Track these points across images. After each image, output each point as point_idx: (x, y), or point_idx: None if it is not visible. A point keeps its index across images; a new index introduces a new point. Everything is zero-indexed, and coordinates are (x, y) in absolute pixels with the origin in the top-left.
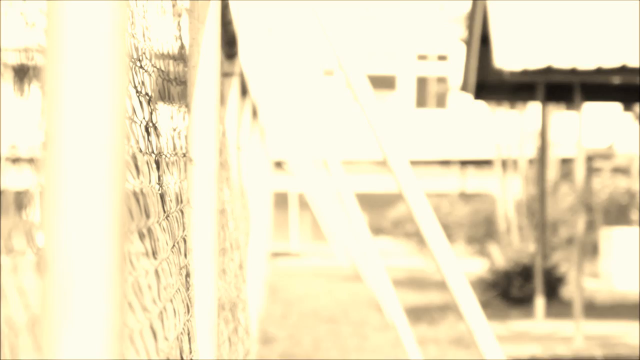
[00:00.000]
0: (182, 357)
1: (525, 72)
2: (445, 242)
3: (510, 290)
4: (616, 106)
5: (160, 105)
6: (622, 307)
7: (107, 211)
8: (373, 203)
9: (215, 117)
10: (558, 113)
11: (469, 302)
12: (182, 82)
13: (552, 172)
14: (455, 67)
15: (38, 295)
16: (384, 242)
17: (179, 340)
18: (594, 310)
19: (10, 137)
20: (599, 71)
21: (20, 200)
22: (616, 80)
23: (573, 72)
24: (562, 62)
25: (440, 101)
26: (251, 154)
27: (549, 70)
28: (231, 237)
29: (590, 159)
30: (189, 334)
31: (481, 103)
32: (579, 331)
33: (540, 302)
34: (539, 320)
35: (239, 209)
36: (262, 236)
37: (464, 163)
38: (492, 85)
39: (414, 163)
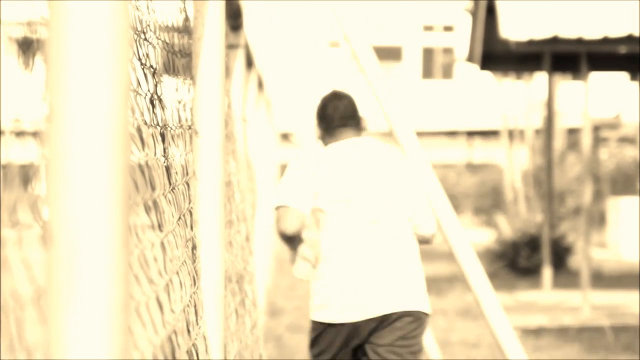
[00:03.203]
0: (188, 329)
1: (531, 42)
2: (452, 212)
3: (517, 261)
4: (623, 76)
5: (165, 78)
6: (630, 277)
7: (112, 183)
8: None
9: (221, 89)
10: (564, 83)
11: (476, 273)
12: (187, 54)
13: (559, 142)
14: (461, 38)
15: (44, 268)
16: None
17: (185, 312)
18: (602, 280)
19: (15, 110)
20: (605, 41)
21: (25, 174)
22: (622, 49)
23: (579, 41)
24: (568, 31)
25: (447, 72)
26: (257, 126)
27: (555, 40)
28: (237, 209)
29: (596, 128)
30: (195, 307)
31: (487, 74)
32: (586, 301)
33: (547, 272)
34: (546, 291)
35: (245, 181)
36: (269, 208)
37: (471, 134)
38: (498, 56)
39: (420, 134)
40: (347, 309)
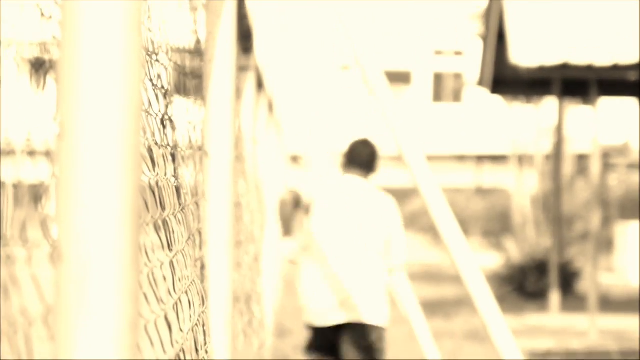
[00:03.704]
0: (196, 348)
1: (541, 68)
2: (460, 236)
3: (525, 285)
4: (632, 102)
5: (176, 99)
6: (637, 302)
7: (122, 203)
8: None
9: (231, 110)
10: (574, 108)
11: (484, 296)
12: (198, 75)
13: (568, 167)
14: (471, 62)
15: (53, 286)
16: None
17: (193, 331)
18: (609, 304)
19: (26, 130)
20: (615, 67)
21: (36, 193)
22: (632, 76)
23: (589, 68)
24: (578, 58)
25: (457, 96)
26: (267, 148)
27: (565, 66)
28: (246, 230)
29: (605, 154)
30: (203, 326)
31: (497, 98)
32: (594, 326)
33: (555, 296)
34: (554, 315)
35: (254, 202)
36: (278, 229)
37: (480, 158)
38: (508, 80)
39: (430, 158)
40: (319, 314)
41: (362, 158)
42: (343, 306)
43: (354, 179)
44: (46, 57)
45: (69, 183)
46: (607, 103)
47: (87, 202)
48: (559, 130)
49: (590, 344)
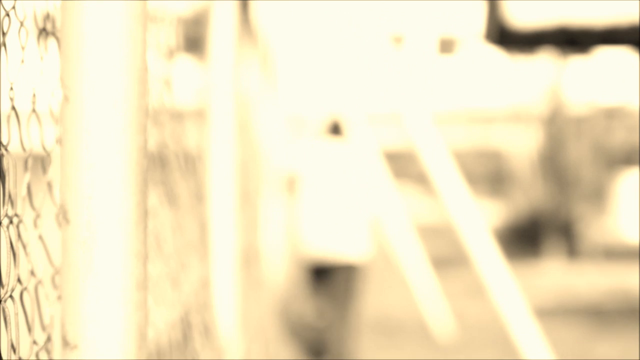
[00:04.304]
0: (200, 307)
1: (539, 24)
2: (464, 191)
3: (526, 238)
4: (631, 55)
5: (179, 60)
6: (636, 255)
7: (127, 162)
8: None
9: (233, 70)
10: (573, 63)
11: (488, 251)
12: (199, 37)
13: (566, 124)
14: (473, 17)
15: (60, 246)
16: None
17: (197, 291)
18: (611, 259)
19: (32, 92)
20: (614, 26)
21: (41, 157)
22: (634, 35)
23: (588, 24)
24: (578, 14)
25: (454, 50)
26: (267, 108)
27: (563, 23)
28: (247, 189)
29: (606, 111)
30: (207, 284)
31: (497, 53)
32: (593, 277)
33: (554, 249)
34: (554, 268)
35: (253, 163)
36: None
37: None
38: (508, 36)
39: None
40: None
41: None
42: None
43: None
44: (49, 18)
45: (74, 144)
46: (605, 56)
47: (93, 162)
48: (557, 84)
49: (590, 300)
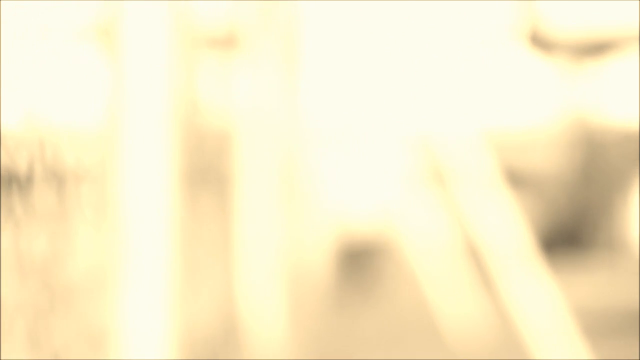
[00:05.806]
0: (237, 299)
1: (571, 31)
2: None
3: (558, 247)
4: None
5: (209, 69)
6: None
7: (171, 165)
8: None
9: (265, 76)
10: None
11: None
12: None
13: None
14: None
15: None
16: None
17: (233, 282)
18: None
19: (69, 107)
20: None
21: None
22: None
23: (619, 31)
24: (609, 21)
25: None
26: (292, 119)
27: (595, 29)
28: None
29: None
30: (243, 276)
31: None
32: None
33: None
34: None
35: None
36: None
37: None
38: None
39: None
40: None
41: None
42: None
43: None
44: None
45: (121, 158)
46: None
47: (138, 177)
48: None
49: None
